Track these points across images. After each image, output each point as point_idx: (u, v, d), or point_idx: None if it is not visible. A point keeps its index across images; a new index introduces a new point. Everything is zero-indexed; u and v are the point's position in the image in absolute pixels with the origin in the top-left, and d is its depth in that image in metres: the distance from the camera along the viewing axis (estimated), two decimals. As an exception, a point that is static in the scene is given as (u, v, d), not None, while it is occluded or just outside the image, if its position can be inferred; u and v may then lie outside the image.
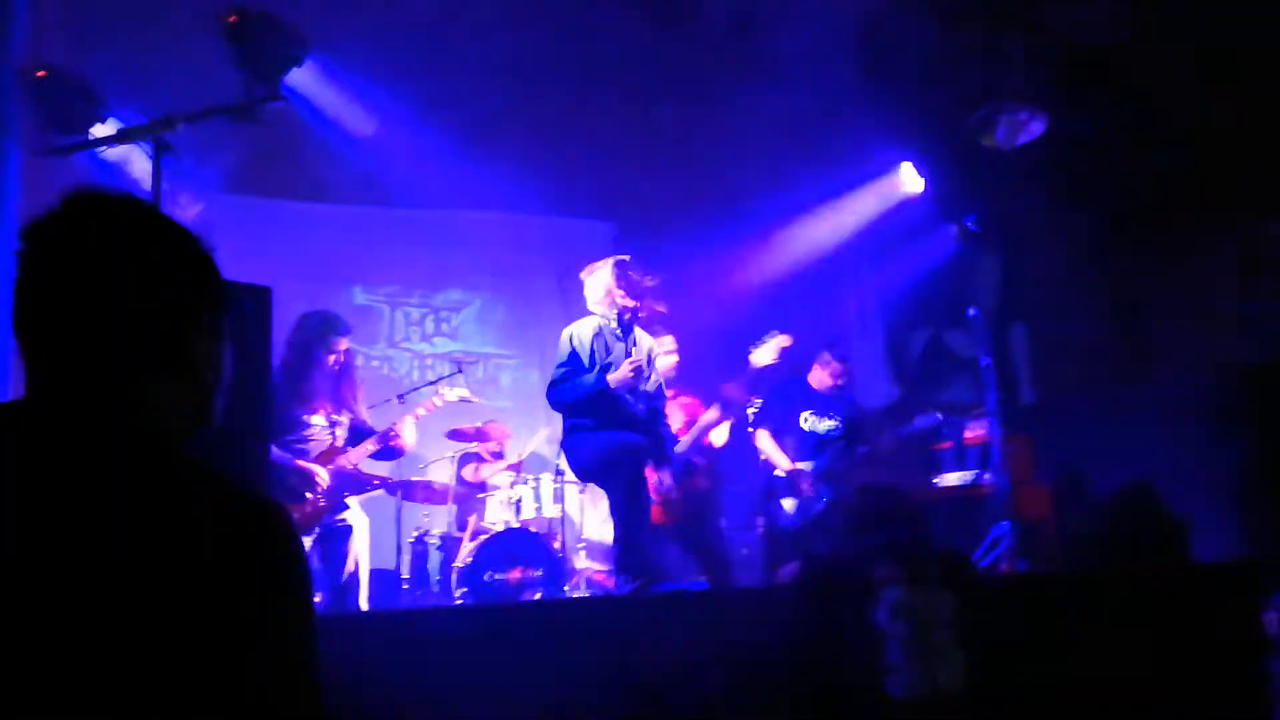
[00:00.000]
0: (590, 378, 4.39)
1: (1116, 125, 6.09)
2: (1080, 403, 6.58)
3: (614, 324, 4.50)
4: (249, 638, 0.94)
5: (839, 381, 5.62)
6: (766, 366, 5.30)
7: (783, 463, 5.50)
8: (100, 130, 4.02)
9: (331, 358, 4.51)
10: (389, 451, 4.71)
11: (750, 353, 5.36)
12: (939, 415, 5.83)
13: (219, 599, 0.93)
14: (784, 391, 5.68)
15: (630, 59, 5.80)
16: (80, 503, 0.95)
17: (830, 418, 5.60)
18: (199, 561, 0.94)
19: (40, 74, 3.97)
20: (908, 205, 7.15)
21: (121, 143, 3.90)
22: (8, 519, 0.93)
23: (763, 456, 5.66)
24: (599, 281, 4.56)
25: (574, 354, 4.46)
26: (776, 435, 5.60)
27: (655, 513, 5.03)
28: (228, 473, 1.02)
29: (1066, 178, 6.48)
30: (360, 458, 4.60)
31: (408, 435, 4.65)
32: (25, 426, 1.02)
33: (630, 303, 4.49)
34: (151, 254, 1.11)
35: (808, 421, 5.57)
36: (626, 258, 4.63)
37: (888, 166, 7.06)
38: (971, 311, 5.38)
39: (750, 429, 5.81)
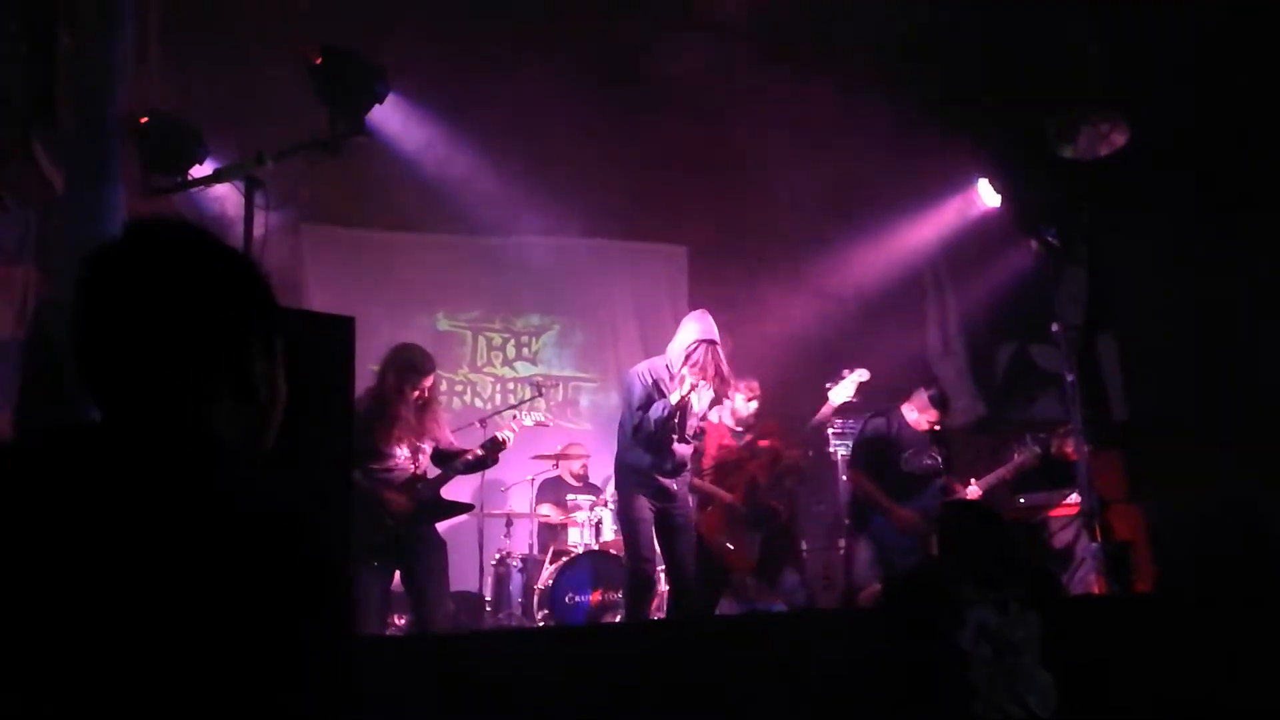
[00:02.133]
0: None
1: (1201, 131, 5.92)
2: (1175, 418, 6.35)
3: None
4: (275, 661, 0.96)
5: (938, 427, 5.44)
6: (845, 403, 5.31)
7: (885, 505, 5.29)
8: (198, 170, 4.21)
9: (416, 393, 4.63)
10: (480, 463, 4.82)
11: (828, 390, 5.36)
12: (1038, 448, 5.59)
13: (257, 621, 0.95)
14: (883, 429, 5.47)
15: (699, 80, 5.84)
16: (141, 525, 0.97)
17: (930, 456, 5.40)
18: (244, 582, 0.96)
19: (143, 120, 4.18)
20: (988, 220, 7.03)
21: (217, 182, 4.08)
22: (75, 541, 0.96)
23: (861, 495, 5.47)
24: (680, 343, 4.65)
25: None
26: (874, 474, 5.41)
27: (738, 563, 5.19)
28: (295, 498, 1.04)
29: (1152, 187, 6.31)
30: (444, 483, 4.70)
31: (507, 438, 4.84)
32: (90, 453, 1.04)
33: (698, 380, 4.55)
34: (207, 278, 1.13)
35: (908, 462, 5.38)
36: (715, 341, 4.62)
37: (965, 182, 6.96)
38: (1055, 326, 5.26)
39: (847, 468, 5.74)
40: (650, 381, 4.63)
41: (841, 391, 5.31)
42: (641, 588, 4.65)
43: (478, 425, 5.64)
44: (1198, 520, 5.58)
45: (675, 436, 4.64)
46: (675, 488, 4.68)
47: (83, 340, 1.09)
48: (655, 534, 4.67)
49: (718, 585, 5.27)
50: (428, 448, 4.72)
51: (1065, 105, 6.08)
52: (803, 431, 5.72)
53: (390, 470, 4.58)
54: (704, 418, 4.88)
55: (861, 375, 5.31)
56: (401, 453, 4.61)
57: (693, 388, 4.52)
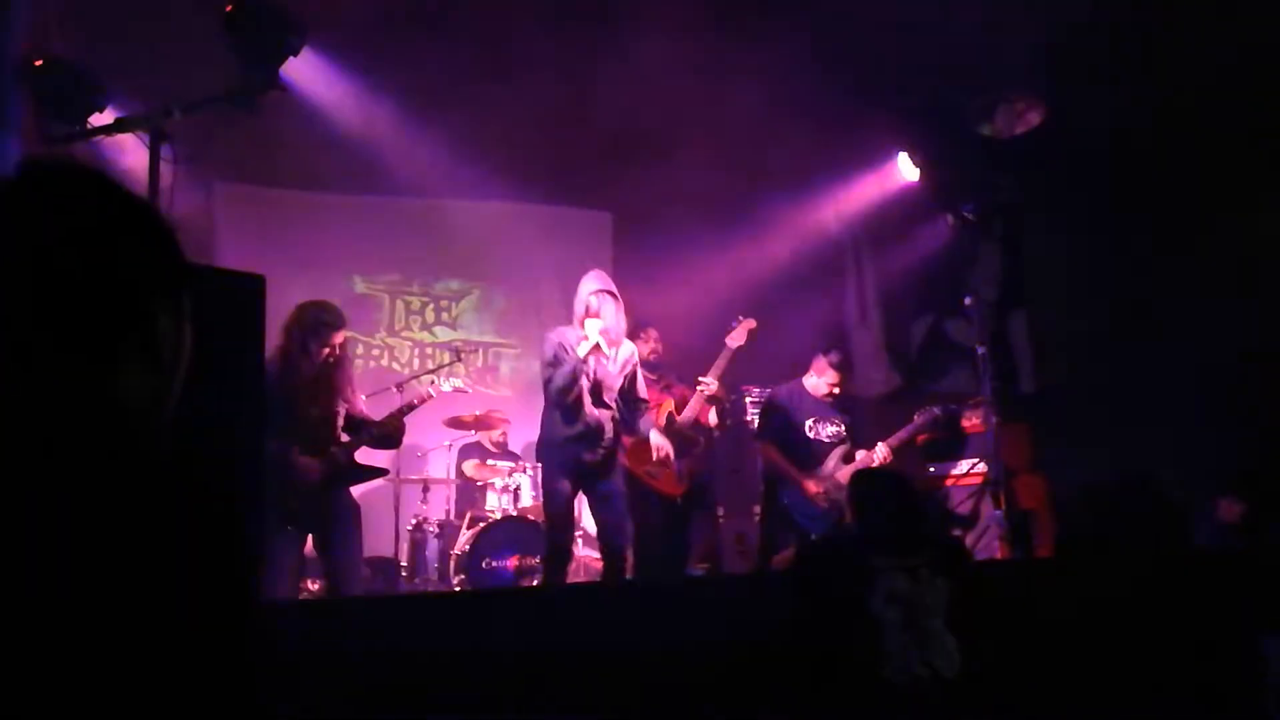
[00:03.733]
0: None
1: (1117, 111, 6.08)
2: (1080, 392, 6.58)
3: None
4: (188, 629, 0.92)
5: (836, 392, 5.57)
6: (740, 349, 5.63)
7: (793, 476, 5.42)
8: (99, 119, 4.02)
9: (326, 350, 4.48)
10: (385, 440, 4.70)
11: (726, 339, 5.71)
12: (937, 410, 5.79)
13: (159, 590, 0.91)
14: (784, 400, 5.63)
15: (625, 47, 5.80)
16: (35, 485, 0.91)
17: (833, 423, 5.54)
18: (144, 549, 0.91)
19: (38, 62, 3.97)
20: (907, 194, 7.15)
21: (119, 131, 3.89)
22: None
23: (770, 468, 5.59)
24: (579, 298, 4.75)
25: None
26: (781, 445, 5.53)
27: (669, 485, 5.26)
28: (202, 463, 1.00)
29: (1066, 165, 6.48)
30: (357, 447, 4.60)
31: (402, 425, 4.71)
32: None
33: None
34: (108, 226, 1.05)
35: (811, 429, 5.51)
36: (614, 293, 4.77)
37: (884, 156, 7.06)
38: (967, 300, 5.39)
39: (755, 439, 5.86)
40: (558, 342, 4.67)
41: (735, 337, 5.69)
42: (556, 557, 4.70)
43: (394, 390, 5.56)
44: (1099, 491, 5.79)
45: (590, 400, 4.64)
46: (596, 459, 4.66)
47: None
48: (586, 503, 4.82)
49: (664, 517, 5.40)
50: (340, 411, 4.61)
51: (985, 82, 6.19)
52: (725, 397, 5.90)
53: (301, 432, 4.47)
54: (631, 386, 4.87)
55: (750, 324, 5.71)
56: (314, 413, 4.50)
57: (598, 345, 4.59)
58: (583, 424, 4.64)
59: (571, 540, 4.86)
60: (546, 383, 4.68)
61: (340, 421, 4.60)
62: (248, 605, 1.00)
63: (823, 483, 5.36)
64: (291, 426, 4.42)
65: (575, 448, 4.63)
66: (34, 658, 0.87)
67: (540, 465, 5.00)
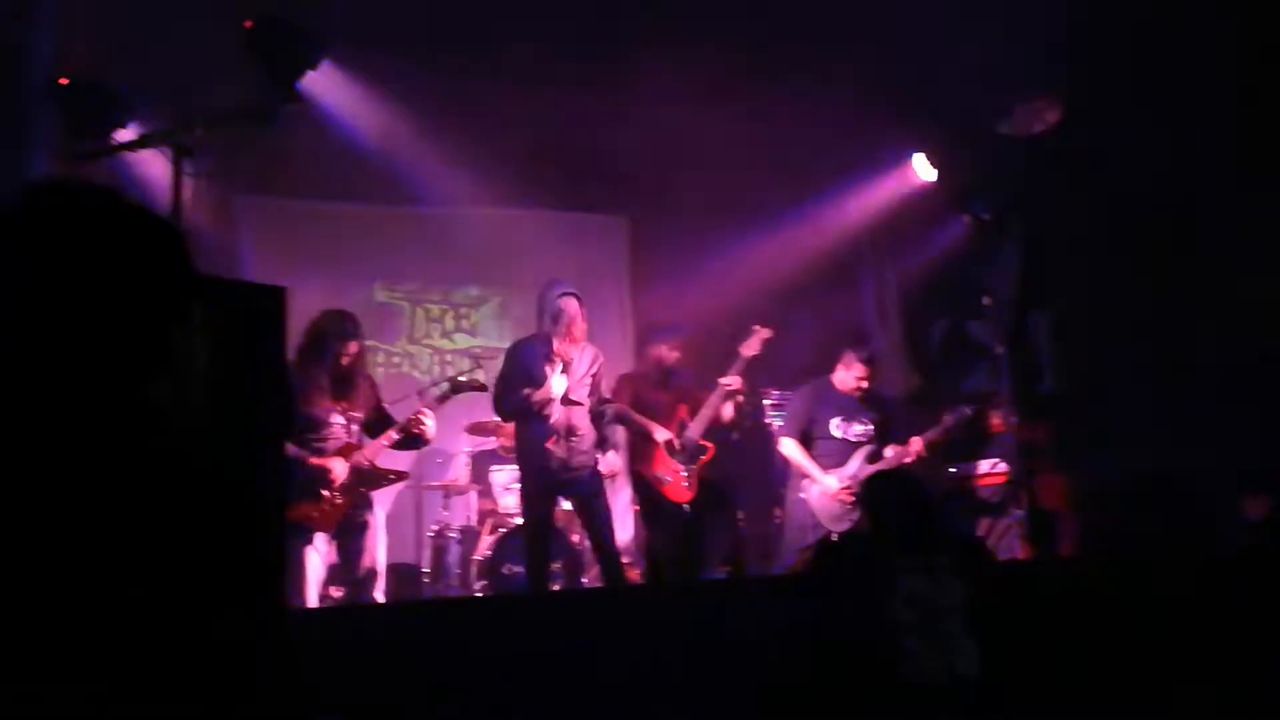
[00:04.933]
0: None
1: (1137, 110, 6.04)
2: (1102, 392, 6.53)
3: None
4: (213, 633, 0.95)
5: (865, 385, 5.48)
6: (754, 357, 5.44)
7: (814, 474, 5.37)
8: (123, 135, 4.10)
9: (345, 358, 4.57)
10: (411, 440, 4.73)
11: (739, 347, 5.49)
12: (968, 411, 5.71)
13: (185, 586, 0.94)
14: (809, 397, 5.55)
15: (641, 55, 5.82)
16: (73, 496, 0.94)
17: (861, 421, 5.45)
18: (168, 549, 0.94)
19: (63, 81, 4.06)
20: (925, 195, 7.14)
21: (143, 147, 3.96)
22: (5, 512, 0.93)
23: (792, 465, 5.53)
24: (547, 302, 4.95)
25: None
26: (804, 442, 5.47)
27: (677, 493, 5.25)
28: (228, 468, 1.02)
29: (1087, 164, 6.44)
30: (378, 452, 4.63)
31: (429, 424, 4.70)
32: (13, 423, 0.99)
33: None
34: (127, 245, 1.08)
35: (838, 428, 5.43)
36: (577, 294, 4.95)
37: (901, 156, 7.04)
38: (986, 300, 5.36)
39: (779, 437, 5.81)
40: (519, 363, 4.88)
41: (750, 346, 5.46)
42: (536, 567, 4.83)
43: (415, 397, 5.60)
44: (1121, 490, 5.76)
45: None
46: (571, 460, 4.77)
47: None
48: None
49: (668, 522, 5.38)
50: (360, 417, 4.67)
51: (1002, 81, 6.17)
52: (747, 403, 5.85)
53: (324, 439, 4.53)
54: (593, 384, 4.98)
55: (765, 333, 5.49)
56: (335, 420, 4.56)
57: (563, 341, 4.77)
58: (553, 426, 4.75)
59: (548, 550, 4.94)
60: (495, 398, 4.87)
61: (360, 426, 4.65)
62: (275, 599, 1.03)
63: (845, 482, 5.32)
64: (315, 432, 4.48)
65: (548, 456, 4.74)
66: (68, 645, 0.90)
67: (521, 495, 5.12)
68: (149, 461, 1.02)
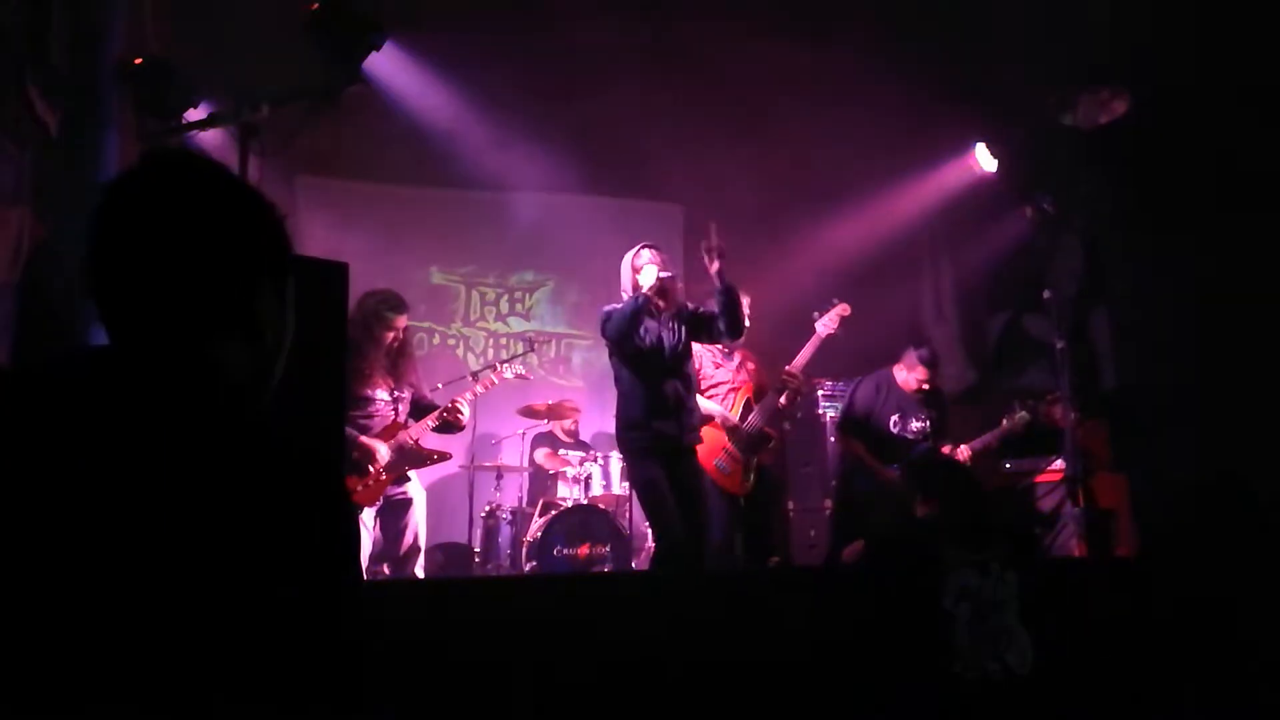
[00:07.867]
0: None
1: (1202, 103, 5.89)
2: (1163, 389, 6.39)
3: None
4: (292, 592, 0.95)
5: (927, 386, 5.47)
6: (829, 336, 5.19)
7: (875, 467, 5.33)
8: (192, 115, 4.18)
9: (390, 334, 4.65)
10: (447, 426, 4.78)
11: (815, 319, 5.25)
12: (1026, 414, 5.65)
13: (269, 553, 0.94)
14: (871, 390, 5.52)
15: (698, 41, 5.81)
16: (144, 456, 0.96)
17: (919, 418, 5.45)
18: (253, 516, 0.95)
19: (137, 61, 4.15)
20: (985, 187, 7.02)
21: (211, 126, 4.05)
22: (80, 466, 0.95)
23: (850, 458, 5.48)
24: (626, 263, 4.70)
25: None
26: (862, 437, 5.44)
27: (726, 483, 5.07)
28: (302, 437, 1.04)
29: (1150, 157, 6.30)
30: (422, 433, 4.72)
31: (465, 412, 4.75)
32: (94, 379, 1.03)
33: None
34: (222, 215, 1.12)
35: (895, 424, 5.43)
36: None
37: (963, 146, 6.93)
38: (1046, 294, 5.27)
39: (836, 430, 5.76)
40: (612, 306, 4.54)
41: (827, 324, 5.20)
42: (668, 558, 4.26)
43: (469, 379, 5.66)
44: (1181, 490, 5.63)
45: (665, 363, 4.41)
46: (677, 435, 4.34)
47: (95, 267, 1.08)
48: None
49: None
50: (407, 395, 4.75)
51: (1067, 71, 6.04)
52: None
53: (371, 416, 4.61)
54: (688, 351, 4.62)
55: (844, 309, 5.21)
56: (381, 397, 4.64)
57: (653, 289, 4.48)
58: (660, 398, 4.33)
59: (679, 530, 4.25)
60: (616, 340, 4.39)
61: (406, 406, 4.73)
62: (350, 568, 1.04)
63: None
64: (361, 410, 4.56)
65: (655, 429, 4.30)
66: (140, 610, 0.91)
67: (625, 461, 4.76)
68: (224, 419, 1.03)
